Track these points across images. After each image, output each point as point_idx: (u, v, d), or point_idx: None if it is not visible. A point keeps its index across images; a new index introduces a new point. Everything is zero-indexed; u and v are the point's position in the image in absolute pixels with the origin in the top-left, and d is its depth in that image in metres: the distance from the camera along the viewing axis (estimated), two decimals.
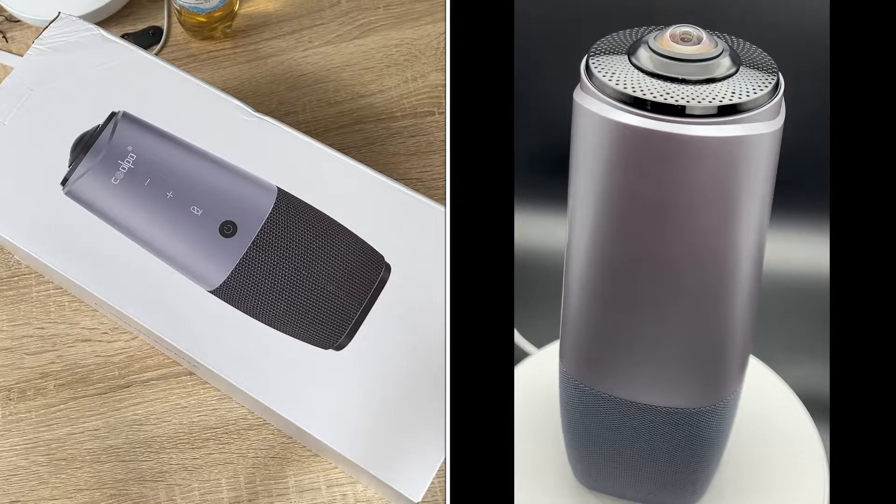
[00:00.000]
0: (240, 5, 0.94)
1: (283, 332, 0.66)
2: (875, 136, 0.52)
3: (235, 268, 0.66)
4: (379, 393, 0.64)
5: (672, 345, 0.55)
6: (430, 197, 0.69)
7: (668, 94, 0.46)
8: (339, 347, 0.66)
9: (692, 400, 0.57)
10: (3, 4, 0.93)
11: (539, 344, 0.79)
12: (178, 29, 0.94)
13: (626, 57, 0.49)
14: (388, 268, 0.67)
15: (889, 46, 0.51)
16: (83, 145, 0.69)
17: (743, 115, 0.46)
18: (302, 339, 0.66)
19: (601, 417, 0.60)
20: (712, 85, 0.47)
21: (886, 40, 0.52)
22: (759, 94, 0.47)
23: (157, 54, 0.81)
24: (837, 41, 0.52)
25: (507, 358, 0.57)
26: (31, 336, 0.83)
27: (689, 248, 0.51)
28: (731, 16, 0.79)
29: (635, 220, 0.50)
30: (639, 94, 0.46)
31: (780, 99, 0.48)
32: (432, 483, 0.62)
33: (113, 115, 0.70)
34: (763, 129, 0.47)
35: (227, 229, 0.67)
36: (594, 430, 0.61)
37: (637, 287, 0.53)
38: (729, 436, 0.62)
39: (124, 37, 0.87)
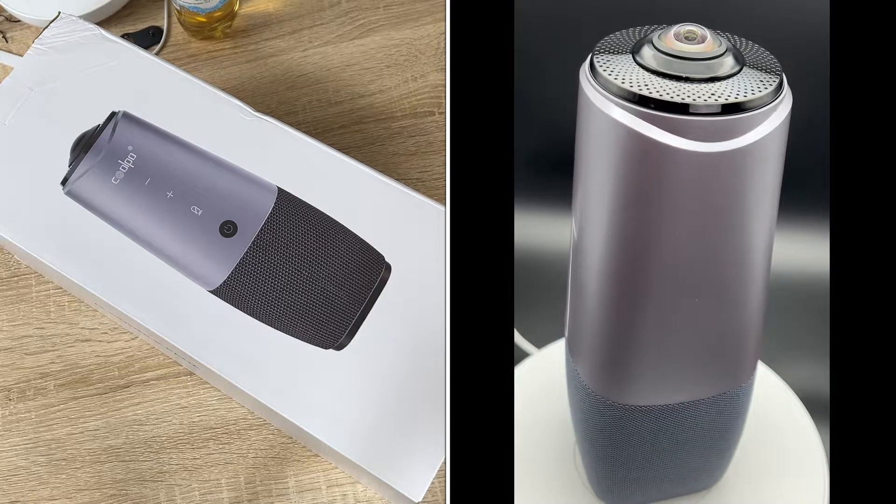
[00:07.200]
0: (240, 5, 0.94)
1: (283, 331, 0.66)
2: (875, 135, 0.52)
3: (235, 268, 0.66)
4: (379, 393, 0.64)
5: (707, 340, 0.56)
6: (430, 197, 0.69)
7: (671, 92, 0.46)
8: (340, 347, 0.66)
9: (731, 382, 0.58)
10: (3, 4, 0.93)
11: (539, 344, 0.79)
12: (178, 29, 0.94)
13: (630, 55, 0.49)
14: (388, 268, 0.67)
15: (889, 46, 0.52)
16: (83, 145, 0.69)
17: (746, 115, 0.47)
18: (302, 339, 0.66)
19: (635, 430, 0.59)
20: (716, 83, 0.47)
21: (887, 39, 0.52)
22: (762, 93, 0.47)
23: (157, 54, 0.81)
24: (838, 40, 0.52)
25: (507, 358, 0.57)
26: (31, 336, 0.83)
27: (702, 247, 0.51)
28: (732, 15, 0.79)
29: (651, 225, 0.50)
30: (641, 92, 0.47)
31: (783, 99, 0.48)
32: (432, 483, 0.62)
33: (113, 114, 0.70)
34: (767, 129, 0.47)
35: (228, 229, 0.67)
36: (625, 444, 0.61)
37: (663, 290, 0.53)
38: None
39: (124, 37, 0.87)
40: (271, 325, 0.66)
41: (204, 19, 0.91)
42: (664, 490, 0.66)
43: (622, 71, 0.48)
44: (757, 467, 0.68)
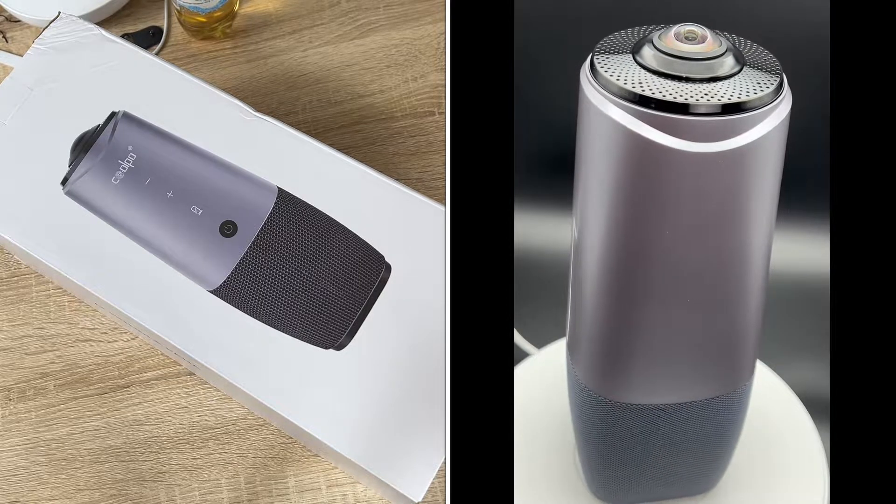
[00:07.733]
0: (240, 5, 0.94)
1: (283, 332, 0.66)
2: (876, 135, 0.52)
3: (236, 268, 0.66)
4: (379, 393, 0.64)
5: (703, 341, 0.56)
6: (430, 197, 0.69)
7: (671, 92, 0.46)
8: (340, 347, 0.66)
9: (727, 385, 0.58)
10: (3, 4, 0.93)
11: (539, 344, 0.79)
12: (178, 29, 0.94)
13: (630, 55, 0.49)
14: (388, 268, 0.67)
15: (889, 46, 0.52)
16: (83, 145, 0.69)
17: (747, 115, 0.47)
18: (302, 339, 0.66)
19: (628, 428, 0.59)
20: (716, 83, 0.47)
21: (887, 39, 0.52)
22: (763, 93, 0.47)
23: (157, 54, 0.81)
24: (838, 40, 0.52)
25: (507, 358, 0.57)
26: (31, 336, 0.83)
27: (702, 247, 0.51)
28: (732, 15, 0.79)
29: (651, 225, 0.50)
30: (642, 92, 0.47)
31: (783, 98, 0.48)
32: (432, 483, 0.62)
33: (113, 114, 0.70)
34: (766, 129, 0.47)
35: (228, 229, 0.67)
36: (619, 442, 0.61)
37: (662, 290, 0.53)
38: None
39: (124, 37, 0.87)
40: (271, 325, 0.66)
41: (204, 19, 0.91)
42: (660, 491, 0.66)
43: (622, 71, 0.48)
44: (757, 467, 0.68)
